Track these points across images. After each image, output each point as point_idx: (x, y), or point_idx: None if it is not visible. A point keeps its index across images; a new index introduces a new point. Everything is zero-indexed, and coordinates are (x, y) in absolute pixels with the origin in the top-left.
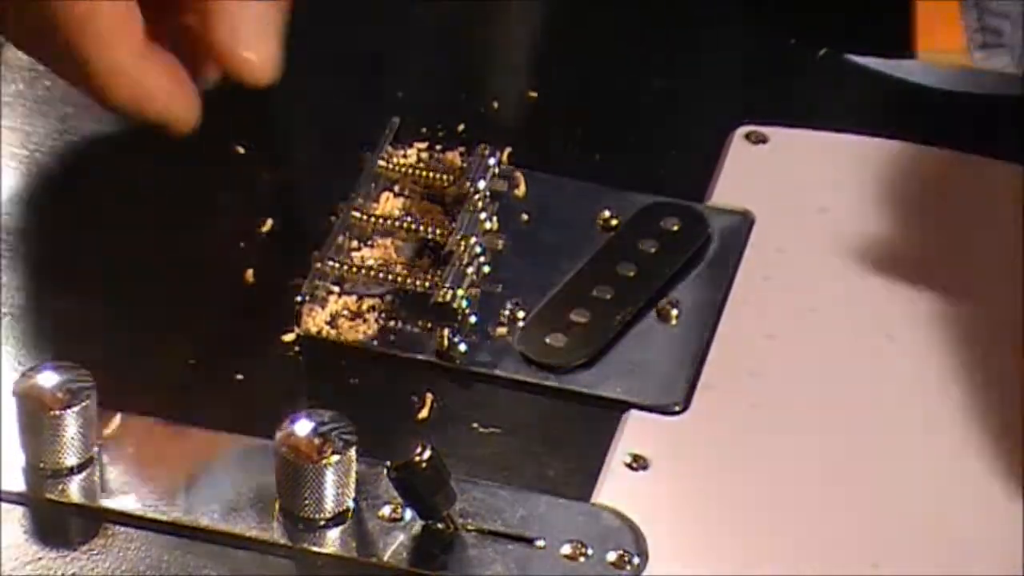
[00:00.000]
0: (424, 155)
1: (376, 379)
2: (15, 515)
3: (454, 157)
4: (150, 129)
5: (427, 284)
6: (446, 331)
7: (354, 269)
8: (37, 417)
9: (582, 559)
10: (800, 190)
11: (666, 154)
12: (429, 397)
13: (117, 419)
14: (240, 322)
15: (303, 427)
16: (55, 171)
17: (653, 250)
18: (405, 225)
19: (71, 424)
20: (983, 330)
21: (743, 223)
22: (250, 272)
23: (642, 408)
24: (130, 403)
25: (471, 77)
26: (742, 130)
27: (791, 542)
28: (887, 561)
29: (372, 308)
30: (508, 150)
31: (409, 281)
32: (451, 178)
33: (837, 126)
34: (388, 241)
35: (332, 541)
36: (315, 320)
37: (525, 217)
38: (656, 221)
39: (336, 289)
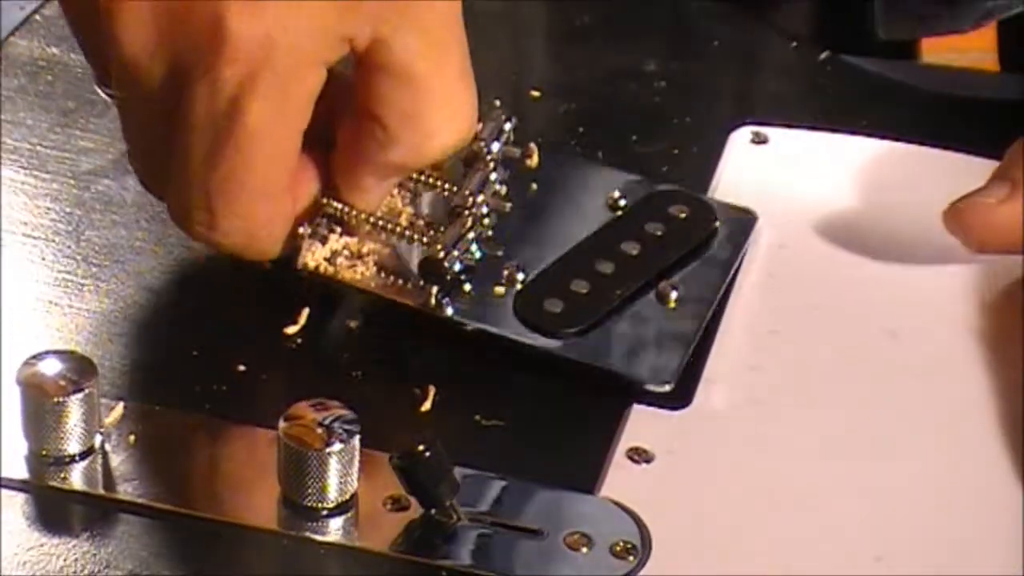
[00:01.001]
0: None
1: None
2: (17, 502)
3: None
4: None
5: (425, 240)
6: (435, 289)
7: (356, 212)
8: (40, 405)
9: (585, 550)
10: (800, 190)
11: (667, 154)
12: (431, 389)
13: (119, 407)
14: (243, 312)
15: (306, 416)
16: (57, 165)
17: (659, 233)
18: (416, 176)
19: (74, 412)
20: (987, 327)
21: (747, 220)
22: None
23: (632, 382)
24: (132, 391)
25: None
26: (742, 130)
27: (793, 535)
28: (889, 554)
29: (372, 253)
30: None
31: (408, 233)
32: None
33: (837, 126)
34: (397, 191)
35: (335, 530)
36: (314, 255)
37: (534, 187)
38: (665, 207)
39: (338, 230)
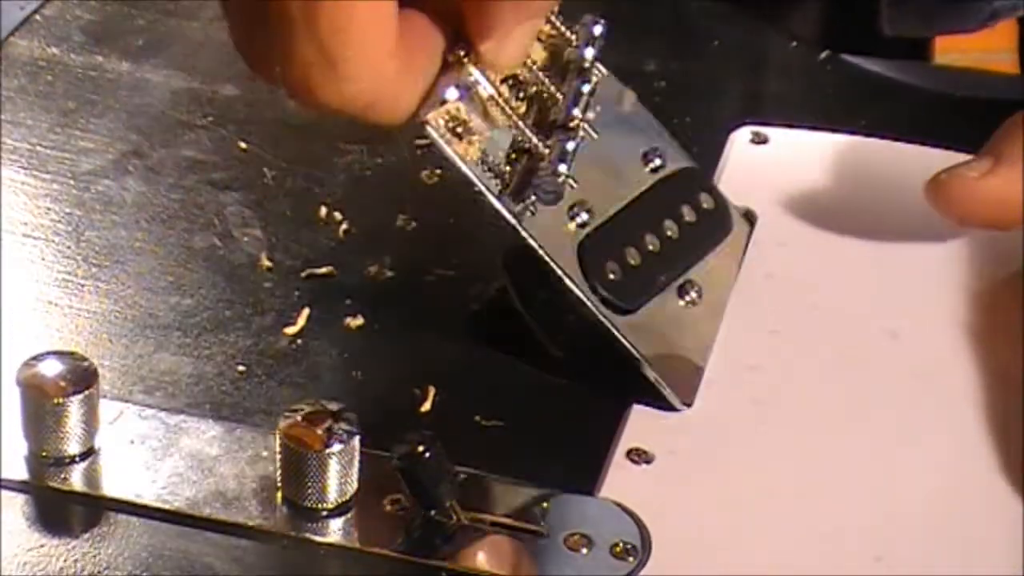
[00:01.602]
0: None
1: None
2: (17, 503)
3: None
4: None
5: (535, 141)
6: (529, 197)
7: (491, 78)
8: (40, 405)
9: (585, 551)
10: (800, 190)
11: None
12: (431, 389)
13: (119, 408)
14: (243, 313)
15: (305, 417)
16: (57, 166)
17: (691, 220)
18: (528, 78)
19: (74, 412)
20: (986, 327)
21: (751, 220)
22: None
23: (656, 388)
24: (132, 392)
25: None
26: (743, 130)
27: (793, 535)
28: (889, 555)
29: (482, 137)
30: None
31: (523, 125)
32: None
33: (837, 126)
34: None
35: (335, 531)
36: (438, 114)
37: (603, 118)
38: (694, 192)
39: (462, 104)
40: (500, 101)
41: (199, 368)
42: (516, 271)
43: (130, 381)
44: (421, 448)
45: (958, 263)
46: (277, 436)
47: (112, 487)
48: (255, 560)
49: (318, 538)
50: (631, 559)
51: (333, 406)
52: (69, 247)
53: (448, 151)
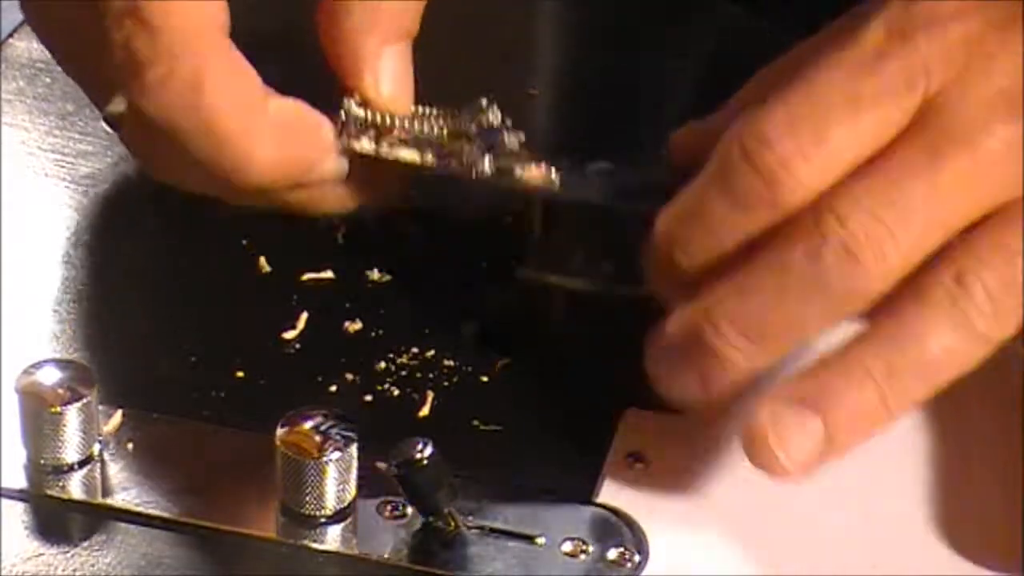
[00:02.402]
0: None
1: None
2: (16, 511)
3: None
4: None
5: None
6: (479, 147)
7: (379, 114)
8: (38, 413)
9: (582, 556)
10: None
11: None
12: (429, 395)
13: (118, 415)
14: (242, 318)
15: (305, 424)
16: (56, 168)
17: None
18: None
19: (72, 420)
20: None
21: None
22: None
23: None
24: (131, 399)
25: (470, 73)
26: None
27: (790, 540)
28: (885, 561)
29: (407, 137)
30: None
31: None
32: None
33: None
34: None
35: (333, 538)
36: (356, 141)
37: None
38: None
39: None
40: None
41: (198, 374)
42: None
43: (128, 388)
44: (419, 455)
45: None
46: (275, 443)
47: (111, 495)
48: (254, 568)
49: (316, 545)
50: (629, 564)
51: (331, 412)
52: (68, 252)
53: (388, 163)
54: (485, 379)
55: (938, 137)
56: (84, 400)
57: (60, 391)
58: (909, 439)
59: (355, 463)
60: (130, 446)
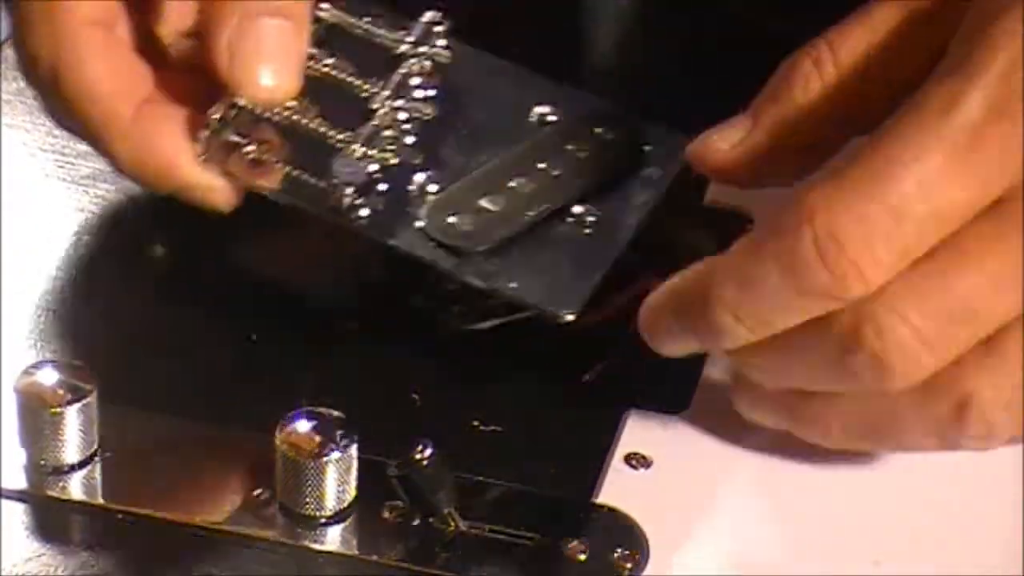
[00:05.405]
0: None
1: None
2: (16, 512)
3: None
4: None
5: (338, 138)
6: (350, 188)
7: (259, 111)
8: (38, 414)
9: (583, 557)
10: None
11: None
12: (429, 396)
13: (118, 416)
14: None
15: (304, 424)
16: (55, 169)
17: (582, 155)
18: (326, 71)
19: (72, 421)
20: None
21: (678, 142)
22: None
23: (531, 308)
24: (131, 400)
25: None
26: None
27: (792, 540)
28: (888, 559)
29: (277, 155)
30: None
31: (323, 130)
32: (396, 39)
33: None
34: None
35: (333, 539)
36: (215, 158)
37: (461, 94)
38: (593, 127)
39: (240, 134)
40: (276, 115)
41: (198, 375)
42: None
43: (129, 389)
44: (419, 456)
45: None
46: (275, 443)
47: (111, 496)
48: (253, 568)
49: (316, 546)
50: (629, 564)
51: (330, 413)
52: (68, 252)
53: (246, 188)
54: (485, 380)
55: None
56: (84, 401)
57: (60, 392)
58: None
59: (355, 463)
60: (130, 447)
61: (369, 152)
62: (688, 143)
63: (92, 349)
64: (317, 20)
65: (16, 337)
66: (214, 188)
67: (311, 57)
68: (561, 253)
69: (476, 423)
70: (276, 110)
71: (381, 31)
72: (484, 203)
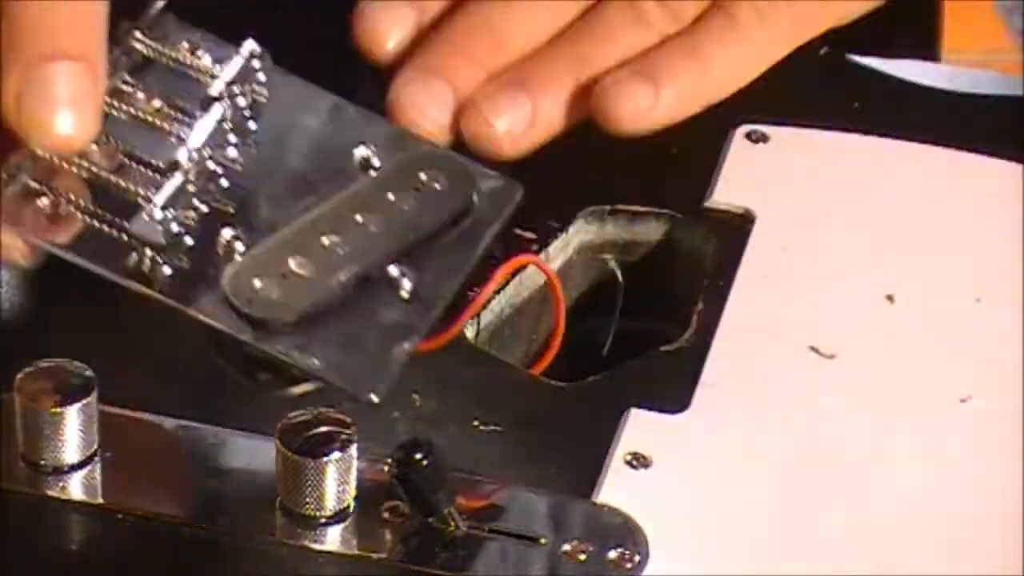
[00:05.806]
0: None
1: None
2: (16, 513)
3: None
4: None
5: (140, 194)
6: (149, 251)
7: (54, 159)
8: (38, 415)
9: (583, 557)
10: (801, 189)
11: (666, 153)
12: (429, 396)
13: (118, 416)
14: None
15: (303, 425)
16: None
17: (405, 207)
18: (129, 111)
19: (72, 422)
20: (982, 330)
21: (510, 189)
22: None
23: (339, 389)
24: (131, 400)
25: None
26: (742, 129)
27: (792, 541)
28: (888, 561)
29: (74, 210)
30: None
31: (123, 184)
32: (211, 74)
33: (838, 124)
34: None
35: (333, 538)
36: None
37: (278, 138)
38: (418, 170)
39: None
40: (82, 166)
41: (197, 375)
42: None
43: (128, 389)
44: (419, 455)
45: (961, 263)
46: (275, 444)
47: (111, 496)
48: (254, 568)
49: (316, 546)
50: (629, 564)
51: (330, 413)
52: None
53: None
54: (485, 379)
55: None
56: (84, 401)
57: (60, 392)
58: (909, 439)
59: (355, 463)
60: (130, 447)
61: (171, 213)
62: (519, 192)
63: (92, 348)
64: (129, 52)
65: (16, 337)
66: (8, 246)
67: (120, 94)
68: (371, 325)
69: (476, 423)
70: (75, 159)
71: (200, 62)
72: (293, 265)
